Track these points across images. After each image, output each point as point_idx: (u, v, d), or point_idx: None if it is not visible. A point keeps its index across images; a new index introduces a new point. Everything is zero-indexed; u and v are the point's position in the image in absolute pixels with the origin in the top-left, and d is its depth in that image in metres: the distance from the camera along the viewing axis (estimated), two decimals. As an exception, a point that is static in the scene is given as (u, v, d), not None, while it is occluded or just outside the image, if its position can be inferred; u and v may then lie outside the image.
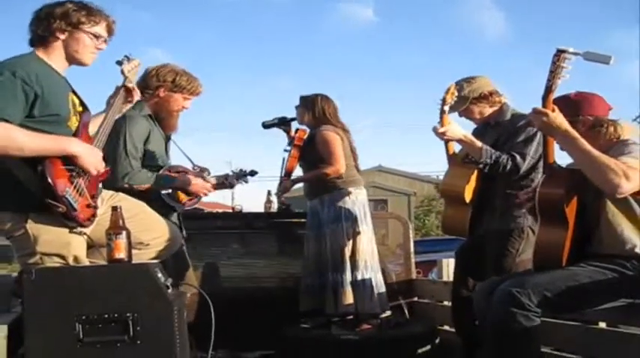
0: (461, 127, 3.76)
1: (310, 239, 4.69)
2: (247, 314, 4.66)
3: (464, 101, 3.80)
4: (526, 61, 56.65)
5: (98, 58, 2.95)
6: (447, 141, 3.77)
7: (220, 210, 8.24)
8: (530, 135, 3.66)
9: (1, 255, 8.14)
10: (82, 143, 2.75)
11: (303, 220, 4.97)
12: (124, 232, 2.72)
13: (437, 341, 4.52)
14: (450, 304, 4.27)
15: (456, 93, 3.72)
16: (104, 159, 3.57)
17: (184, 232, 3.82)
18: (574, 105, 2.93)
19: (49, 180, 2.56)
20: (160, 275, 2.67)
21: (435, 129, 3.67)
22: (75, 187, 2.68)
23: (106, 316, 2.55)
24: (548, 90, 2.77)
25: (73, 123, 2.82)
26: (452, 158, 3.85)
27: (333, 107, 4.81)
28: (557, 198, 2.81)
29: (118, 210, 2.76)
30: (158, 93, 3.82)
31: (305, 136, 4.76)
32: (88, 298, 2.57)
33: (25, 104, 2.62)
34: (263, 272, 5.25)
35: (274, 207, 5.64)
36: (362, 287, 4.52)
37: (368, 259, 4.59)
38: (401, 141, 60.34)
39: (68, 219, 2.66)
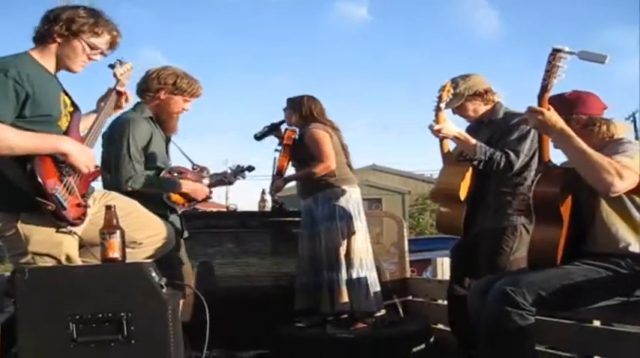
0: (455, 125, 3.78)
1: (304, 238, 4.70)
2: (242, 313, 4.65)
3: (459, 98, 3.81)
4: (520, 59, 56.80)
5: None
6: (442, 139, 3.78)
7: (215, 209, 8.21)
8: (524, 133, 3.68)
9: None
10: (73, 141, 2.75)
11: (297, 219, 4.98)
12: (118, 231, 2.72)
13: (431, 339, 4.53)
14: (444, 303, 4.27)
15: (452, 91, 3.73)
16: (106, 161, 3.60)
17: (185, 232, 3.87)
18: (568, 104, 2.94)
19: (39, 179, 2.55)
20: (154, 274, 2.66)
21: (430, 127, 3.70)
22: (65, 186, 2.67)
23: (100, 315, 2.54)
24: (544, 89, 2.78)
25: (64, 123, 2.82)
26: (446, 156, 3.86)
27: (319, 106, 4.86)
28: (552, 197, 2.81)
29: (112, 209, 2.75)
30: (159, 95, 3.83)
31: (294, 136, 4.78)
32: (81, 297, 2.56)
33: (16, 104, 2.61)
34: (257, 271, 5.24)
35: (268, 206, 5.64)
36: (357, 285, 4.52)
37: (363, 257, 4.59)
38: (395, 140, 60.42)
39: (58, 218, 2.65)
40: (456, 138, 3.72)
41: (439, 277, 5.24)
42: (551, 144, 2.89)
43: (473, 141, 3.67)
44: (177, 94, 3.85)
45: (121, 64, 3.12)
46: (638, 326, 2.98)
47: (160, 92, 3.83)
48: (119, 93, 3.16)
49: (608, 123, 2.92)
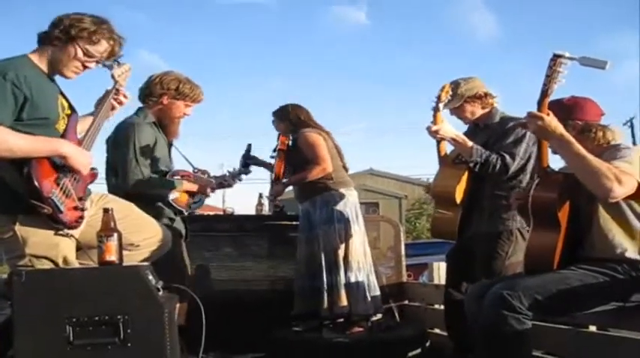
0: (453, 127, 3.79)
1: (302, 241, 4.70)
2: (238, 316, 4.65)
3: (459, 99, 3.82)
4: (517, 62, 56.91)
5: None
6: (439, 141, 3.79)
7: (212, 213, 8.20)
8: (520, 137, 3.69)
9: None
10: (71, 144, 2.75)
11: (294, 223, 4.98)
12: (115, 234, 2.72)
13: (427, 344, 4.53)
14: (440, 307, 4.27)
15: (451, 92, 3.75)
16: (112, 165, 3.63)
17: (188, 235, 3.92)
18: (565, 110, 2.95)
19: (35, 182, 2.56)
20: (150, 277, 2.66)
21: (428, 128, 3.70)
22: (61, 189, 2.67)
23: (97, 318, 2.54)
24: (544, 94, 2.78)
25: (61, 125, 2.83)
26: (443, 159, 3.86)
27: (305, 112, 4.89)
28: (550, 202, 2.82)
29: (110, 212, 2.75)
30: (162, 100, 3.89)
31: (287, 141, 4.79)
32: (78, 300, 2.56)
33: (15, 107, 2.62)
34: (254, 274, 5.24)
35: (266, 209, 5.64)
36: (355, 288, 4.52)
37: (360, 260, 4.60)
38: (392, 144, 60.41)
39: (54, 221, 2.66)
40: (453, 140, 3.72)
41: (435, 281, 5.25)
42: (549, 150, 2.90)
43: (469, 143, 3.68)
44: (179, 99, 3.91)
45: (119, 64, 3.11)
46: (634, 332, 2.99)
47: (162, 97, 3.88)
48: (116, 95, 3.16)
49: (604, 130, 2.93)
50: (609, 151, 2.84)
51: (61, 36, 2.80)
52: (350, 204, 4.68)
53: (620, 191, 2.61)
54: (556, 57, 2.75)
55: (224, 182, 4.35)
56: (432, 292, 4.94)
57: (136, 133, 3.68)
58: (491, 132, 3.84)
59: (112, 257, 2.69)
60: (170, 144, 4.01)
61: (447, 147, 3.85)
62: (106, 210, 2.76)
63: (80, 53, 2.83)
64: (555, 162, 2.95)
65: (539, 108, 2.78)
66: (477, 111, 3.90)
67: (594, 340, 3.16)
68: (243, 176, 4.57)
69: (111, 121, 3.25)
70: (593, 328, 3.18)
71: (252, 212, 5.87)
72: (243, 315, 4.72)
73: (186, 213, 3.96)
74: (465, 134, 3.90)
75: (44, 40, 2.83)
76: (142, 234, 3.13)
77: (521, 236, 3.67)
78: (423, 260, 8.10)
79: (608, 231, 2.82)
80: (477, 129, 3.94)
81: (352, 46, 56.47)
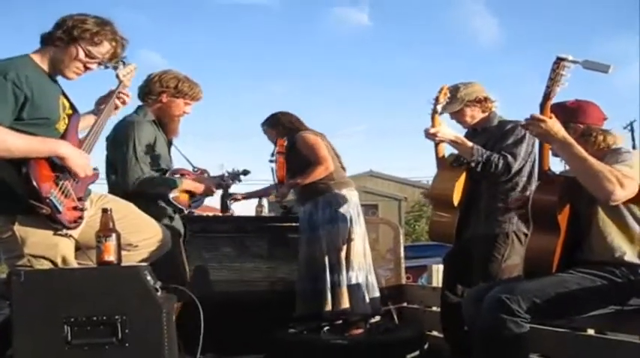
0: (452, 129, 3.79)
1: (303, 242, 4.70)
2: (237, 317, 4.65)
3: (459, 102, 3.83)
4: (519, 65, 56.94)
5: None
6: (437, 143, 3.79)
7: (211, 213, 8.19)
8: (519, 137, 3.70)
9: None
10: (70, 145, 2.75)
11: (294, 224, 4.98)
12: (114, 234, 2.72)
13: (426, 346, 4.53)
14: (439, 309, 4.27)
15: (449, 94, 3.75)
16: (112, 163, 3.64)
17: (187, 235, 3.92)
18: (568, 113, 2.95)
19: (33, 182, 2.56)
20: (149, 277, 2.66)
21: (426, 131, 3.70)
22: (60, 189, 2.68)
23: (95, 318, 2.54)
24: (547, 97, 2.78)
25: (62, 126, 2.83)
26: (441, 161, 3.87)
27: (295, 117, 4.92)
28: (550, 205, 2.82)
29: (109, 212, 2.75)
30: (161, 98, 3.91)
31: (285, 144, 4.79)
32: (76, 300, 2.56)
33: (15, 107, 2.62)
34: (253, 275, 5.23)
35: (265, 211, 5.65)
36: (356, 288, 4.53)
37: (362, 260, 4.61)
38: (392, 146, 60.42)
39: (53, 221, 2.66)
40: (452, 142, 3.73)
41: (434, 284, 5.25)
42: (550, 152, 2.90)
43: (469, 143, 3.68)
44: (178, 97, 3.92)
45: (124, 64, 3.11)
46: (632, 335, 2.99)
47: (162, 95, 3.90)
48: (120, 95, 3.17)
49: (605, 134, 2.93)
50: (610, 155, 2.84)
51: (63, 36, 2.80)
52: (352, 204, 4.70)
53: (622, 194, 2.62)
54: (559, 60, 2.76)
55: (222, 182, 4.36)
56: (430, 294, 4.94)
57: (135, 131, 3.69)
58: (490, 135, 3.84)
59: (110, 257, 2.70)
60: (170, 143, 4.02)
61: (445, 149, 3.86)
62: (104, 211, 2.76)
63: (82, 54, 2.83)
64: (555, 165, 2.96)
65: (542, 111, 2.78)
66: (476, 115, 3.90)
67: (592, 343, 3.16)
68: (242, 177, 4.57)
69: (111, 119, 3.26)
70: (591, 331, 3.18)
71: (252, 213, 5.87)
72: (242, 316, 4.71)
73: (186, 212, 3.98)
74: (465, 137, 3.90)
75: (47, 40, 2.83)
76: (140, 235, 3.13)
77: (518, 239, 3.67)
78: (422, 262, 8.13)
79: (607, 235, 2.82)
80: (475, 133, 3.95)
81: (354, 48, 56.50)
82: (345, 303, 4.48)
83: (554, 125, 2.74)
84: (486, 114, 3.91)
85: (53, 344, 2.52)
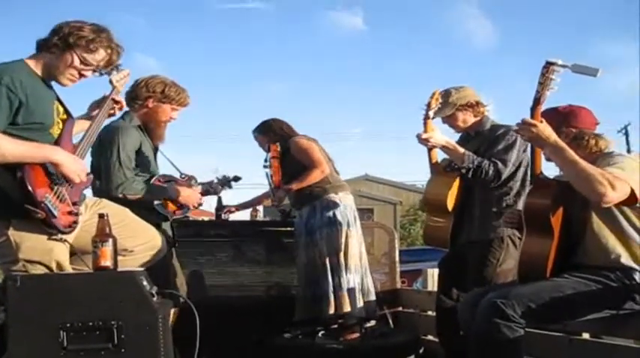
0: (444, 134, 3.80)
1: (301, 247, 4.71)
2: (232, 322, 4.64)
3: (451, 107, 3.83)
4: (513, 68, 57.07)
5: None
6: (430, 148, 3.80)
7: (206, 218, 8.19)
8: (510, 143, 3.71)
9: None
10: (64, 151, 2.75)
11: (289, 228, 4.99)
12: (110, 240, 2.72)
13: (421, 350, 4.54)
14: (434, 314, 4.28)
15: (441, 99, 3.76)
16: (96, 169, 3.61)
17: (175, 240, 3.87)
18: (561, 117, 2.96)
19: (28, 187, 2.57)
20: (145, 283, 2.66)
21: (418, 136, 3.71)
22: (55, 193, 2.68)
23: (91, 324, 2.54)
24: (537, 101, 2.80)
25: (56, 131, 2.83)
26: (434, 166, 3.88)
27: (286, 124, 4.95)
28: (543, 209, 2.83)
29: (105, 217, 2.75)
30: (147, 103, 3.85)
31: (279, 149, 4.80)
32: (72, 306, 2.56)
33: (9, 111, 2.62)
34: (249, 280, 5.24)
35: (260, 216, 5.65)
36: (353, 291, 4.54)
37: (357, 264, 4.63)
38: (388, 150, 60.45)
39: (48, 226, 2.66)
40: (444, 147, 3.74)
41: (430, 288, 5.26)
42: (542, 157, 2.91)
43: (461, 149, 3.69)
44: (165, 103, 3.87)
45: (118, 70, 3.10)
46: (627, 339, 3.00)
47: (148, 100, 3.84)
48: (115, 101, 3.17)
49: (597, 138, 2.95)
50: (602, 158, 2.86)
51: (59, 43, 2.80)
52: (349, 208, 4.72)
53: (614, 196, 2.63)
54: (548, 64, 2.78)
55: (210, 188, 4.29)
56: (425, 298, 4.94)
57: (120, 137, 3.63)
58: (483, 139, 3.85)
59: (106, 262, 2.69)
60: (156, 149, 3.97)
61: (439, 154, 3.87)
62: (101, 216, 2.76)
63: (77, 61, 2.83)
64: (548, 169, 2.97)
65: (532, 116, 2.80)
66: (468, 119, 3.91)
67: (587, 348, 3.17)
68: (233, 183, 4.50)
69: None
70: (586, 335, 3.18)
71: (248, 218, 5.88)
72: (238, 321, 4.71)
73: (170, 219, 3.89)
74: (458, 142, 3.91)
75: (42, 46, 2.83)
76: (137, 240, 3.13)
77: (512, 243, 3.68)
78: (418, 266, 8.12)
79: (601, 238, 2.83)
80: (468, 137, 3.96)
81: (349, 51, 56.53)
82: (347, 307, 4.50)
83: (546, 129, 2.75)
84: (479, 118, 3.92)
85: (49, 349, 2.51)
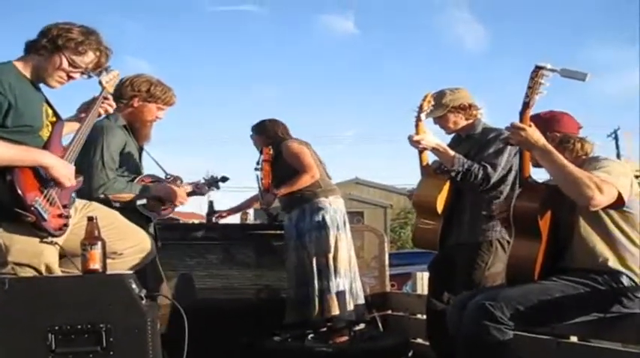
0: (435, 137, 3.81)
1: (290, 250, 4.72)
2: (222, 325, 4.64)
3: (443, 108, 3.84)
4: (505, 72, 57.30)
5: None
6: (421, 150, 3.81)
7: (196, 221, 8.18)
8: (501, 147, 3.72)
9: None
10: (53, 155, 2.74)
11: (279, 231, 4.99)
12: (99, 243, 2.70)
13: (410, 354, 4.54)
14: (423, 317, 4.29)
15: (433, 102, 3.77)
16: (79, 168, 3.57)
17: (159, 242, 3.80)
18: (544, 123, 2.98)
19: (18, 190, 2.55)
20: (134, 286, 2.65)
21: (410, 138, 3.71)
22: (45, 197, 2.67)
23: (79, 327, 2.52)
24: (526, 105, 2.83)
25: (45, 133, 2.82)
26: (425, 169, 3.89)
27: (282, 126, 4.98)
28: (531, 212, 2.85)
29: (94, 220, 2.74)
30: (132, 103, 3.79)
31: (271, 152, 4.80)
32: (61, 308, 2.54)
33: None
34: (238, 283, 5.24)
35: (250, 218, 5.64)
36: (342, 294, 4.55)
37: (347, 267, 4.64)
38: (378, 153, 60.53)
39: (38, 229, 2.65)
40: (435, 150, 3.74)
41: (419, 291, 5.26)
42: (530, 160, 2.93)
43: (451, 152, 3.70)
44: (151, 102, 3.82)
45: (107, 71, 3.09)
46: (615, 342, 3.01)
47: (133, 99, 3.79)
48: (105, 98, 3.15)
49: (582, 142, 2.98)
50: (589, 162, 2.88)
51: (47, 45, 2.79)
52: (338, 211, 4.74)
53: (601, 199, 2.65)
54: (537, 68, 2.80)
55: (196, 189, 4.24)
56: (415, 302, 4.95)
57: (104, 136, 3.56)
58: (473, 142, 3.86)
59: (95, 265, 2.68)
60: (141, 149, 3.90)
61: (429, 157, 3.88)
62: (90, 218, 2.75)
63: (65, 63, 2.82)
64: (537, 174, 2.99)
65: (521, 120, 2.82)
66: (460, 121, 3.92)
67: (575, 350, 3.18)
68: (220, 184, 4.44)
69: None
70: (574, 338, 3.20)
71: (238, 221, 5.88)
72: (227, 324, 4.70)
73: (154, 220, 3.82)
74: (449, 144, 3.92)
75: (31, 48, 2.82)
76: (126, 243, 3.12)
77: (501, 246, 3.69)
78: (407, 269, 8.12)
79: (589, 242, 2.85)
80: (459, 140, 3.97)
81: (342, 54, 56.63)
82: (335, 310, 4.50)
83: (534, 133, 2.77)
84: (470, 121, 3.93)
85: (37, 352, 2.49)
